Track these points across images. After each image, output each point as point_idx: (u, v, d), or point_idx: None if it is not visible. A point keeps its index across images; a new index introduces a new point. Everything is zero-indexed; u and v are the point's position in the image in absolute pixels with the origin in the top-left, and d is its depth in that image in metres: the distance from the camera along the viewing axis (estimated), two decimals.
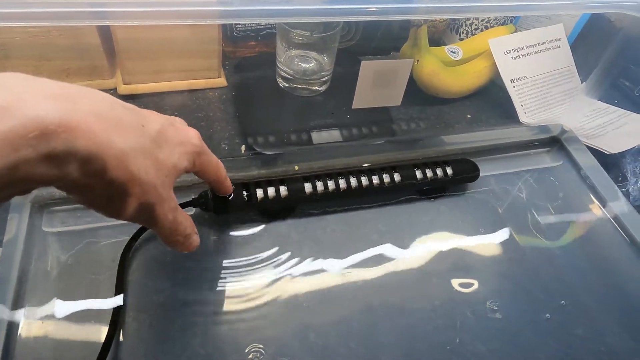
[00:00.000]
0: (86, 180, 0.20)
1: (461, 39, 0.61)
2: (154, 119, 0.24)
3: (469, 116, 0.54)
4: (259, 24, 0.52)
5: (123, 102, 0.23)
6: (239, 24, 0.51)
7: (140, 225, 0.36)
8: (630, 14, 0.47)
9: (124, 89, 0.47)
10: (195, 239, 0.29)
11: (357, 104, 0.40)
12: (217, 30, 0.46)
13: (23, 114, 0.17)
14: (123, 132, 0.21)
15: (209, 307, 0.34)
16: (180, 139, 0.26)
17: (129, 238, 0.36)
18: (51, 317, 0.32)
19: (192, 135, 0.27)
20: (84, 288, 0.33)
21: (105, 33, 0.44)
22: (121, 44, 0.43)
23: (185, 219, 0.28)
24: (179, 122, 0.28)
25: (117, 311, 0.32)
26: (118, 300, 0.33)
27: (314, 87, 0.50)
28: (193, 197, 0.37)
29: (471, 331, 0.35)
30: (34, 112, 0.17)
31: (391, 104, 0.42)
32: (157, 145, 0.23)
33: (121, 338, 0.31)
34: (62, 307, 0.32)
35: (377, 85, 0.38)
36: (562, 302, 0.37)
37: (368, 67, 0.37)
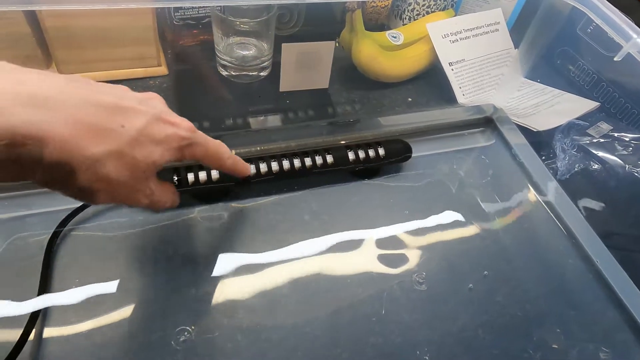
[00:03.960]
0: (54, 182, 0.22)
1: (405, 24, 0.62)
2: (138, 116, 0.24)
3: (410, 99, 0.56)
4: (198, 11, 0.52)
5: (108, 97, 0.23)
6: (178, 12, 0.51)
7: (65, 216, 0.36)
8: None
9: None
10: (172, 205, 0.30)
11: (284, 86, 0.41)
12: (151, 18, 0.46)
13: None
14: (97, 137, 0.22)
15: (136, 292, 0.34)
16: (167, 133, 0.25)
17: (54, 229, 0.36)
18: None
19: (181, 128, 0.26)
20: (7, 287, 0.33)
21: (35, 22, 0.43)
22: (51, 33, 0.43)
23: (162, 196, 0.28)
24: (167, 114, 0.26)
25: (36, 314, 0.31)
26: (40, 299, 0.32)
27: (253, 73, 0.50)
28: None
29: (396, 303, 0.37)
30: (7, 122, 0.19)
31: (318, 86, 0.43)
32: (136, 145, 0.23)
33: (45, 334, 0.31)
34: None
35: (301, 68, 0.39)
36: (485, 272, 0.39)
37: (290, 50, 0.37)
